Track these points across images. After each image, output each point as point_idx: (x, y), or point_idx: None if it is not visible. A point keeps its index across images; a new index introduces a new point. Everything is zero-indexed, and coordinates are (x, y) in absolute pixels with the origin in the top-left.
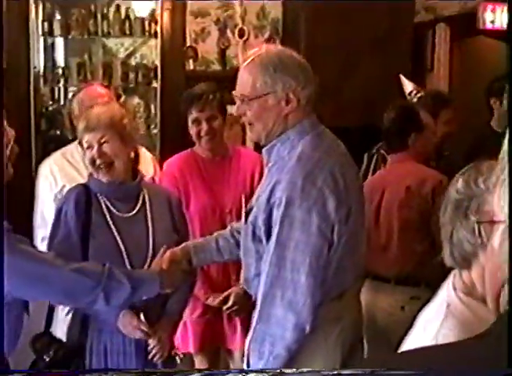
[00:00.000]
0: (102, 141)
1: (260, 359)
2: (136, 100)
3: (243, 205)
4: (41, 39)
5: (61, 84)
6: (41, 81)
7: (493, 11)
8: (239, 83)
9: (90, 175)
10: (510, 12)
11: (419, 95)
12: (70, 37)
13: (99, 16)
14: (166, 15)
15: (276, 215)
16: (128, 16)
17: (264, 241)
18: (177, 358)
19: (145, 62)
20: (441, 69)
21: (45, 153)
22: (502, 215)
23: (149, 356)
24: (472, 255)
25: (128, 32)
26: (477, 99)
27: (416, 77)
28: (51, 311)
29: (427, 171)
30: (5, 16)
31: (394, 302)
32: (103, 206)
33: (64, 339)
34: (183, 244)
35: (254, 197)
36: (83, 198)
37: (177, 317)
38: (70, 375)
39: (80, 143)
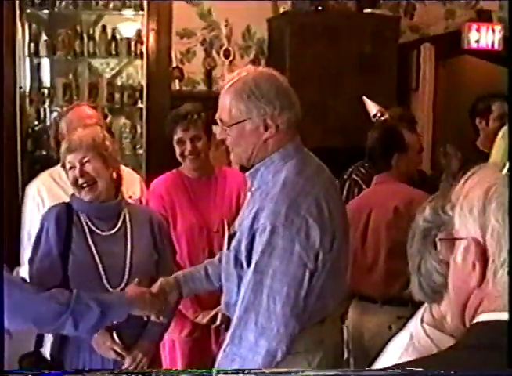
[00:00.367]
0: (84, 161)
1: None
2: (122, 120)
3: (227, 227)
4: (27, 60)
5: (47, 105)
6: (27, 101)
7: (478, 30)
8: (219, 108)
9: (72, 195)
10: (510, 13)
11: (383, 117)
12: (56, 57)
13: (85, 37)
14: (152, 35)
15: (259, 241)
16: (114, 37)
17: (245, 267)
18: None
19: (131, 82)
20: (426, 88)
21: (31, 174)
22: (463, 231)
23: None
24: (442, 286)
25: (113, 52)
26: (462, 119)
27: (401, 96)
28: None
29: (413, 191)
30: None
31: (381, 322)
32: (84, 224)
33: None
34: (174, 274)
35: (237, 221)
36: (64, 216)
37: (157, 339)
38: (70, 375)
39: (63, 165)
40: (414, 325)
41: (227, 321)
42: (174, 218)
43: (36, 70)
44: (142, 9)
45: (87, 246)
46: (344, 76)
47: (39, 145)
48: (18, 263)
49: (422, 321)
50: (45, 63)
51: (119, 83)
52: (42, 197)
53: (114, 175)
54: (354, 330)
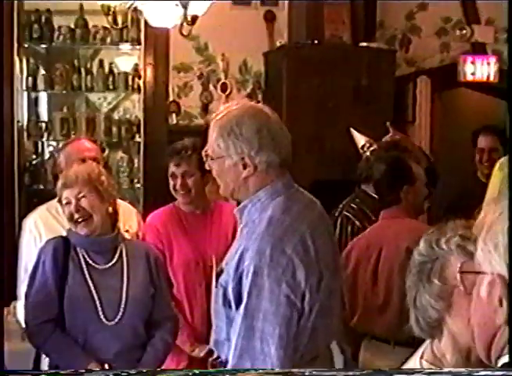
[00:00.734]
0: (80, 196)
1: None
2: (120, 154)
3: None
4: (25, 94)
5: (44, 139)
6: (25, 135)
7: (473, 63)
8: (208, 140)
9: (69, 229)
10: (510, 19)
11: (371, 148)
12: (53, 91)
13: (82, 71)
14: (149, 70)
15: (245, 283)
16: (111, 71)
17: (233, 308)
18: None
19: (128, 116)
20: (422, 120)
21: (28, 208)
22: (487, 266)
23: None
24: (437, 322)
25: (111, 87)
26: (458, 150)
27: (397, 129)
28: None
29: (424, 228)
30: None
31: (394, 363)
32: (81, 257)
33: None
34: None
35: (225, 259)
36: (61, 249)
37: None
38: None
39: (59, 200)
40: (413, 361)
41: None
42: (171, 252)
43: (34, 104)
44: (139, 43)
45: (83, 279)
46: (340, 109)
47: (36, 179)
48: (15, 297)
49: (421, 357)
50: (43, 97)
51: (116, 117)
52: (39, 230)
53: (110, 209)
54: (364, 369)
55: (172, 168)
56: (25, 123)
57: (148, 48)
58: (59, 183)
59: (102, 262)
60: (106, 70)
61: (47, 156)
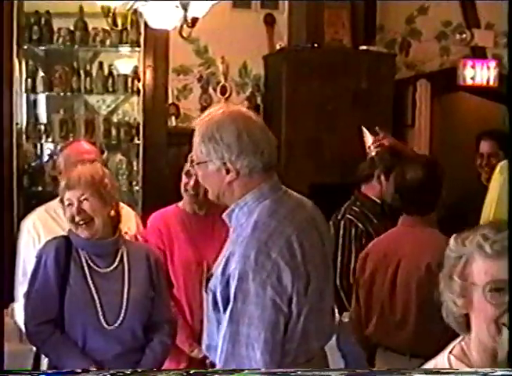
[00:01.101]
0: (82, 199)
1: None
2: (119, 157)
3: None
4: (24, 96)
5: (43, 141)
6: (24, 137)
7: (473, 67)
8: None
9: (70, 230)
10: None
11: (377, 149)
12: (52, 93)
13: (81, 73)
14: (148, 72)
15: (231, 288)
16: (110, 73)
17: (221, 312)
18: None
19: (127, 118)
20: (422, 124)
21: (27, 210)
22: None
23: None
24: (462, 317)
25: (110, 89)
26: (457, 154)
27: (397, 132)
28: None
29: (446, 242)
30: None
31: None
32: (83, 259)
33: None
34: None
35: (216, 263)
36: (63, 249)
37: None
38: (69, 375)
39: (61, 200)
40: (442, 356)
41: None
42: (172, 252)
43: (33, 106)
44: (139, 46)
45: (85, 282)
46: (339, 112)
47: (35, 181)
48: (12, 299)
49: (450, 352)
50: (42, 100)
51: (115, 119)
52: (38, 231)
53: (112, 212)
54: None
55: (188, 166)
56: (24, 125)
57: (148, 50)
58: (62, 184)
59: (103, 265)
60: (106, 72)
61: (46, 158)
